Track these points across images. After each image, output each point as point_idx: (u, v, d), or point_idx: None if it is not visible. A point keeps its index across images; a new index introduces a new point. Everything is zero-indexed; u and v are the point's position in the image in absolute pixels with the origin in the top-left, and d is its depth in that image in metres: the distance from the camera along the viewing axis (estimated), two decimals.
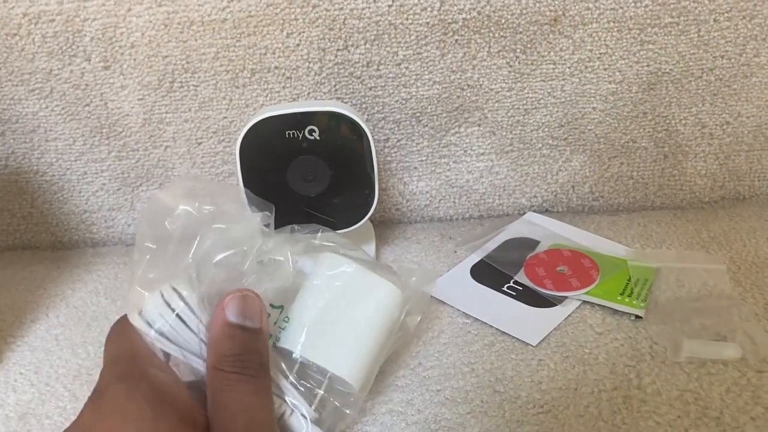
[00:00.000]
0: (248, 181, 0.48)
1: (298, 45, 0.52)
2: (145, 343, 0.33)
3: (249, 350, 0.33)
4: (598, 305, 0.48)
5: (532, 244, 0.56)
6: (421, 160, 0.59)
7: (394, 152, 0.58)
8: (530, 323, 0.47)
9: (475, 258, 0.55)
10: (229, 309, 0.33)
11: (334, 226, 0.50)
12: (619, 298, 0.49)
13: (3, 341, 0.49)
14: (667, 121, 0.58)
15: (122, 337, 0.34)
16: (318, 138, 0.47)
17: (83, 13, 0.50)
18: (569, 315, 0.48)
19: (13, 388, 0.45)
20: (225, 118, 0.55)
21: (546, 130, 0.58)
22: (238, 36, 0.52)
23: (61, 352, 0.48)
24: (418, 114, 0.56)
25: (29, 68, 0.52)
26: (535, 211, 0.61)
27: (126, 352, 0.33)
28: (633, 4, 0.52)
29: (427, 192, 0.60)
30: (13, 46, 0.51)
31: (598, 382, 0.42)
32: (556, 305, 0.49)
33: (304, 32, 0.52)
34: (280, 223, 0.50)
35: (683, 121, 0.58)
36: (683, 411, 0.40)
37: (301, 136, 0.47)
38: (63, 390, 0.44)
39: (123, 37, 0.51)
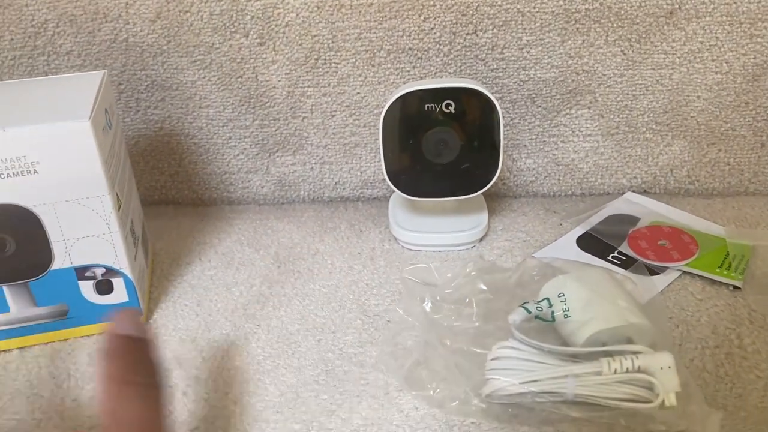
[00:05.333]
0: (387, 149, 0.54)
1: (432, 29, 0.58)
2: None
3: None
4: (698, 276, 0.53)
5: (633, 220, 0.60)
6: (531, 139, 0.64)
7: (507, 130, 0.64)
8: (639, 288, 0.52)
9: (579, 230, 0.60)
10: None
11: (459, 192, 0.56)
12: (717, 270, 0.53)
13: (165, 279, 0.57)
14: None
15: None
16: (453, 111, 0.53)
17: None
18: (671, 283, 0.53)
19: (182, 317, 0.52)
20: (358, 93, 0.62)
21: (651, 115, 0.62)
22: (381, 19, 0.58)
23: (218, 290, 0.55)
24: (534, 95, 0.61)
25: (194, 42, 0.60)
26: (633, 191, 0.66)
27: None
28: (747, 0, 0.56)
29: (534, 169, 0.65)
30: (183, 21, 0.59)
31: (701, 340, 0.47)
32: (659, 274, 0.53)
33: (439, 17, 0.58)
34: (412, 187, 0.56)
35: None
36: None
37: (438, 109, 0.53)
38: (224, 321, 0.51)
39: (279, 17, 0.58)
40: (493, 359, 0.42)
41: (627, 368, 0.40)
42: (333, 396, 0.44)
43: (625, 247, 0.56)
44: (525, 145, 0.64)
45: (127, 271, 0.49)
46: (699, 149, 0.64)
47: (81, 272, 0.48)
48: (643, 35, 0.58)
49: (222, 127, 0.64)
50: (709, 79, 0.60)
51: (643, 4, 0.56)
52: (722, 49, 0.58)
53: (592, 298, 0.44)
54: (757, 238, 0.57)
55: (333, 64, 0.60)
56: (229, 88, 0.62)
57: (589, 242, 0.58)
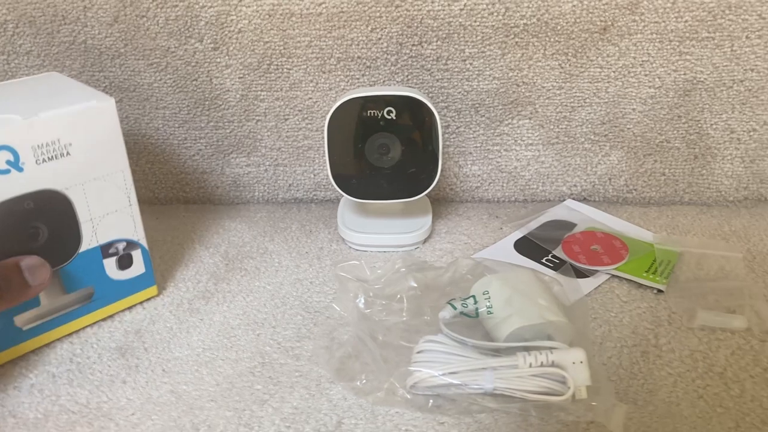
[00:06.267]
0: (332, 153, 0.57)
1: (379, 39, 0.61)
2: None
3: None
4: (626, 279, 0.56)
5: (570, 226, 0.63)
6: (476, 147, 0.67)
7: (453, 138, 0.66)
8: (565, 289, 0.55)
9: (518, 234, 0.62)
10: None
11: (401, 195, 0.58)
12: (644, 274, 0.56)
13: None
14: (699, 125, 0.65)
15: None
16: (394, 118, 0.55)
17: (202, 0, 0.59)
18: (599, 285, 0.55)
19: (129, 310, 0.54)
20: (310, 98, 0.64)
21: (589, 126, 0.65)
22: (330, 28, 0.60)
23: (165, 285, 0.57)
24: (477, 105, 0.64)
25: (151, 45, 0.62)
26: (574, 198, 0.69)
27: None
28: (674, 19, 0.59)
29: (479, 175, 0.68)
30: (140, 25, 0.61)
31: (620, 339, 0.49)
32: (589, 277, 0.56)
33: (386, 28, 0.60)
34: (357, 189, 0.58)
35: (714, 126, 0.65)
36: (692, 366, 0.47)
37: (380, 115, 0.55)
38: (169, 314, 0.53)
39: (233, 23, 0.60)
40: (418, 352, 0.45)
41: (541, 362, 0.43)
42: (267, 386, 0.46)
43: (559, 251, 0.59)
44: (470, 153, 0.67)
45: (143, 242, 0.51)
46: (636, 160, 0.67)
47: (105, 250, 0.49)
48: (579, 50, 0.61)
49: (177, 128, 0.66)
50: (643, 93, 0.63)
51: (577, 21, 0.59)
52: (654, 65, 0.62)
53: (513, 296, 0.47)
54: (685, 244, 0.60)
55: (285, 70, 0.63)
56: (184, 90, 0.64)
57: (526, 246, 0.61)
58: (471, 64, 0.62)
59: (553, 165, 0.67)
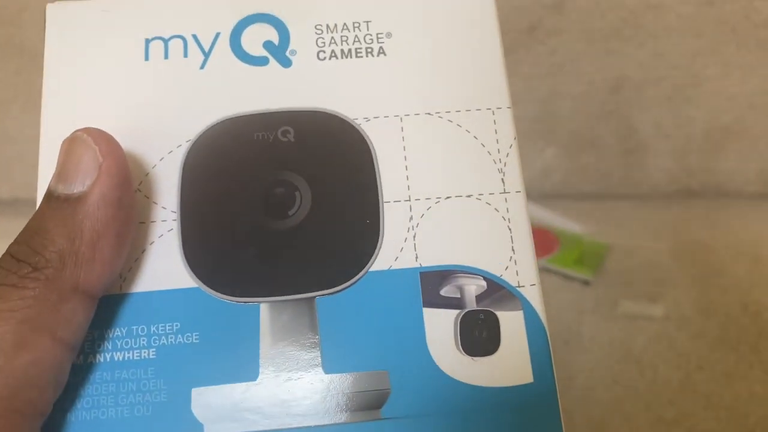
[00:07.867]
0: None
1: None
2: None
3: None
4: (554, 271, 0.58)
5: None
6: None
7: None
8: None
9: None
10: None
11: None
12: (573, 266, 0.58)
13: None
14: (630, 121, 0.67)
15: None
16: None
17: None
18: None
19: None
20: None
21: (524, 123, 0.67)
22: None
23: None
24: None
25: None
26: None
27: None
28: (598, 18, 0.61)
29: None
30: None
31: None
32: None
33: None
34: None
35: (643, 122, 0.67)
36: (610, 353, 0.49)
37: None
38: None
39: None
40: None
41: None
42: None
43: None
44: None
45: (535, 300, 0.23)
46: (570, 156, 0.69)
47: (430, 285, 0.22)
48: (510, 49, 0.62)
49: None
50: (574, 91, 0.65)
51: (506, 20, 0.61)
52: (582, 63, 0.63)
53: None
54: (615, 237, 0.62)
55: None
56: None
57: None
58: None
59: None
